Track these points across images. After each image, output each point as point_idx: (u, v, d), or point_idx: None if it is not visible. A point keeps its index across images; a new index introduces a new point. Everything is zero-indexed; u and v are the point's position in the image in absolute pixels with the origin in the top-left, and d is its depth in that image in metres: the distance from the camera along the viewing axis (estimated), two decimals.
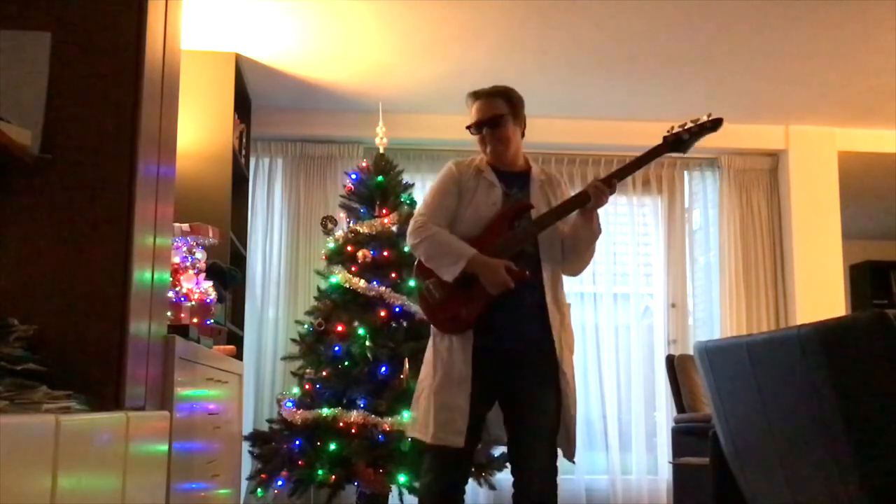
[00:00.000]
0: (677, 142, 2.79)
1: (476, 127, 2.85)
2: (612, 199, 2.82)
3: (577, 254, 2.83)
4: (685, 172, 5.99)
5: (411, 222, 2.84)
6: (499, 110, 2.82)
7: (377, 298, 4.28)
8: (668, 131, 2.82)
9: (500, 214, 2.77)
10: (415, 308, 4.16)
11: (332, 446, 4.05)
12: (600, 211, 2.80)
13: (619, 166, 2.85)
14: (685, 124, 2.80)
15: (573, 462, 2.78)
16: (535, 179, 2.88)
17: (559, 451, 2.73)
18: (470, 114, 2.89)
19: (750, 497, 2.71)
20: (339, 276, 4.38)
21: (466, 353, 2.69)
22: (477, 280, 2.67)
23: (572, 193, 2.83)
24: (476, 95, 2.88)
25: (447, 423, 2.65)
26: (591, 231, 2.78)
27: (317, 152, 5.64)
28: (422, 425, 2.73)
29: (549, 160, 5.80)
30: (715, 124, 2.78)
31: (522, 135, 2.92)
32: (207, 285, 3.39)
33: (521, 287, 2.68)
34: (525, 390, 2.70)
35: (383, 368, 4.17)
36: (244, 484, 4.33)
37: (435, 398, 2.69)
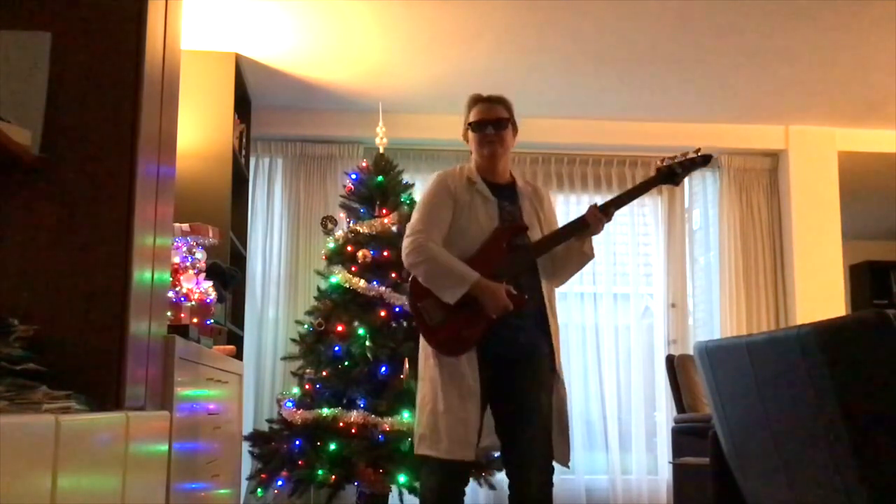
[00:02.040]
0: (670, 174, 2.90)
1: (480, 125, 2.86)
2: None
3: (567, 272, 2.94)
4: None
5: (408, 240, 2.77)
6: (503, 115, 2.89)
7: (377, 298, 4.28)
8: (660, 161, 2.92)
9: (496, 234, 2.79)
10: None
11: (332, 446, 4.05)
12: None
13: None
14: (676, 157, 2.89)
15: (567, 466, 2.83)
16: (522, 193, 2.93)
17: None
18: (468, 116, 2.92)
19: (750, 497, 2.71)
20: (339, 276, 4.38)
21: (473, 368, 2.69)
22: (476, 301, 2.66)
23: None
24: (480, 98, 2.93)
25: (461, 438, 2.65)
26: (585, 255, 2.87)
27: (317, 152, 5.64)
28: (432, 441, 2.70)
29: (548, 160, 5.80)
30: (705, 160, 2.90)
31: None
32: (207, 285, 3.38)
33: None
34: (523, 392, 2.73)
35: (383, 368, 4.17)
36: (244, 484, 4.33)
37: (448, 416, 2.67)
